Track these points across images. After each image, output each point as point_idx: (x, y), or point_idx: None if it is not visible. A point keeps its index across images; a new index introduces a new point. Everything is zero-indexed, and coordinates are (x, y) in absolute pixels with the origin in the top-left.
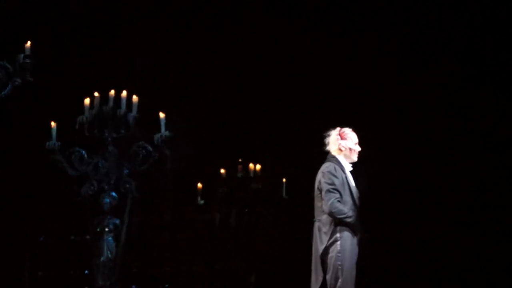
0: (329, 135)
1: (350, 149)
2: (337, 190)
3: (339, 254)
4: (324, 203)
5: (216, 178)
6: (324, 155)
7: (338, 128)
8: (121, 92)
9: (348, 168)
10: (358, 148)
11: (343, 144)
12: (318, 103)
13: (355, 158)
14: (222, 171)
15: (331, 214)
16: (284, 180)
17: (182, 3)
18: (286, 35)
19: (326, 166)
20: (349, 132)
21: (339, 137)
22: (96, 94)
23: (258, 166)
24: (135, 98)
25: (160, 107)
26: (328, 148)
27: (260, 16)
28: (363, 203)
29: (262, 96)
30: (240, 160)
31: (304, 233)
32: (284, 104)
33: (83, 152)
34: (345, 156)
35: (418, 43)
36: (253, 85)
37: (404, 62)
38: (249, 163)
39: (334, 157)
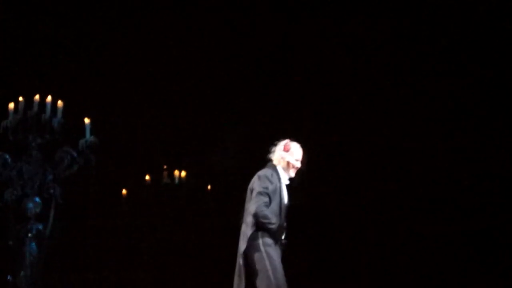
0: (276, 144)
1: (289, 162)
2: (268, 195)
3: (266, 259)
4: (252, 203)
5: (141, 184)
6: (252, 162)
7: (286, 140)
8: (46, 97)
9: (284, 180)
10: (298, 165)
11: (283, 156)
12: (245, 110)
13: (292, 173)
14: (147, 177)
15: (255, 215)
16: (209, 187)
17: (108, 6)
18: (212, 40)
19: (263, 171)
20: (294, 147)
21: (283, 147)
22: (20, 98)
23: (183, 173)
24: (60, 103)
25: (85, 112)
26: (271, 155)
27: (187, 21)
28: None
29: (189, 103)
30: (165, 166)
31: (228, 239)
32: (211, 111)
33: (7, 156)
34: (284, 168)
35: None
36: (179, 92)
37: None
38: (174, 170)
39: (274, 166)
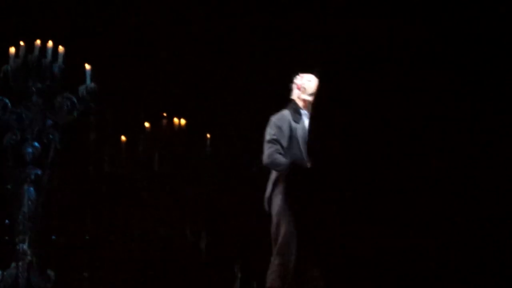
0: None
1: (305, 100)
2: (277, 141)
3: (281, 208)
4: (263, 153)
5: (140, 131)
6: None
7: (298, 76)
8: (47, 42)
9: (307, 117)
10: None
11: (298, 95)
12: (247, 56)
13: (311, 110)
14: (147, 124)
15: (267, 165)
16: (208, 135)
17: None
18: None
19: (274, 116)
20: (305, 82)
21: (296, 85)
22: (21, 43)
23: (183, 121)
24: (61, 48)
25: (86, 58)
26: (292, 94)
27: None
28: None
29: (188, 49)
30: (164, 114)
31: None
32: (211, 56)
33: (7, 101)
34: (304, 107)
35: None
36: (180, 37)
37: None
38: (173, 118)
39: (292, 105)
